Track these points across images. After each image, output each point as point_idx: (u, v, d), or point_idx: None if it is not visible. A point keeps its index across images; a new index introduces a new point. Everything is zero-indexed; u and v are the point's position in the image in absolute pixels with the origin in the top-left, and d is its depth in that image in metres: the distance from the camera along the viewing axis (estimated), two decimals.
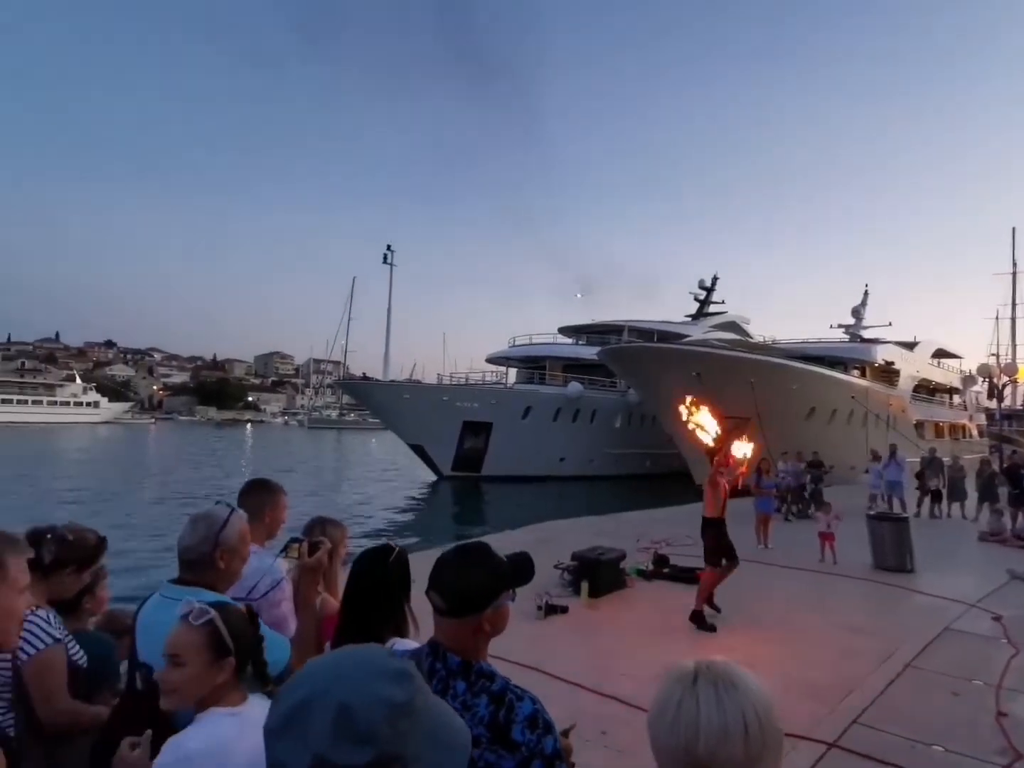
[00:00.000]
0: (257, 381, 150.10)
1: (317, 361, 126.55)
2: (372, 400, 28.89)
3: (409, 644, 1.90)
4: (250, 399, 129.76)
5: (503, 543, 10.24)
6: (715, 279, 37.84)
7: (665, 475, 27.72)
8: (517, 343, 34.97)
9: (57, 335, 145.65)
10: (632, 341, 28.53)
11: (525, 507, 21.39)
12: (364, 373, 32.12)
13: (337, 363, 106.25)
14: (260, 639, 1.65)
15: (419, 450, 28.07)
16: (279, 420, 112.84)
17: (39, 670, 2.02)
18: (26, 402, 77.33)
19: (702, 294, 37.61)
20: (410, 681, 0.78)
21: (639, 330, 32.28)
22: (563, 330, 36.87)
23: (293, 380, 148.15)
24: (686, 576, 7.82)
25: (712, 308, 37.58)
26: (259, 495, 2.68)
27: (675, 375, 21.13)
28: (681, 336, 30.65)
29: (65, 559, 2.27)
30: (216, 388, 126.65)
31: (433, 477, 28.01)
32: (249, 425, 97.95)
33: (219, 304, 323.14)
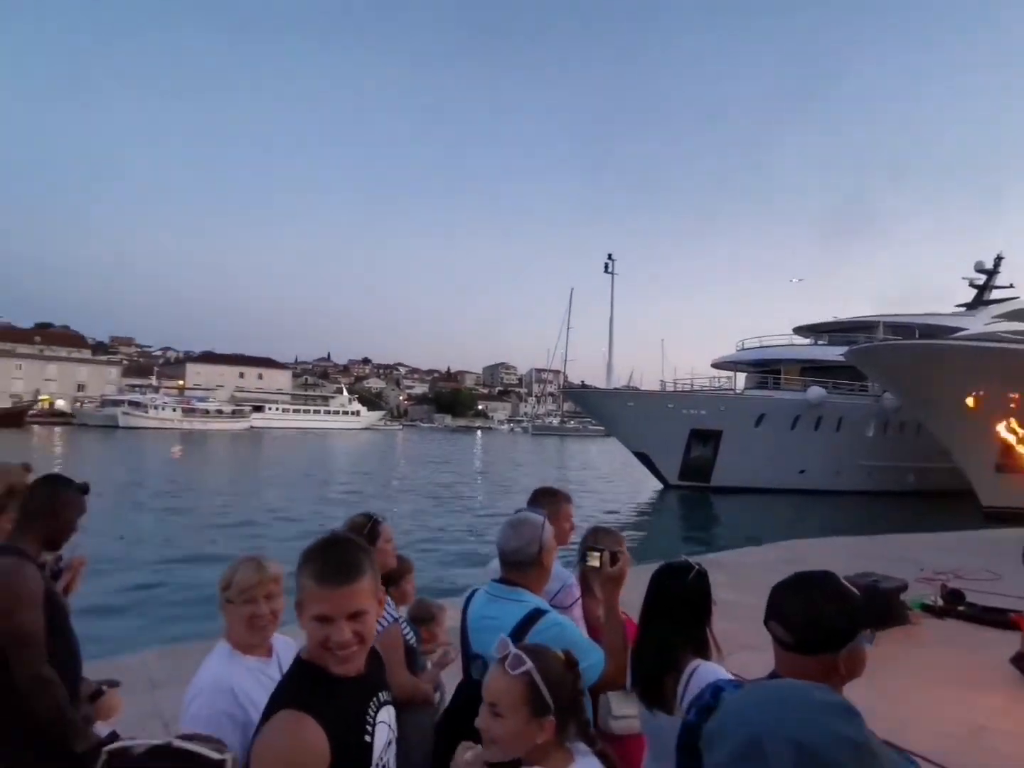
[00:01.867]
0: (485, 390, 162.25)
1: (538, 370, 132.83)
2: (595, 407, 29.29)
3: (717, 670, 1.80)
4: (480, 407, 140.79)
5: (743, 560, 9.57)
6: (999, 259, 31.40)
7: (935, 493, 23.68)
8: (746, 346, 32.77)
9: (328, 355, 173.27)
10: (888, 338, 24.94)
11: (761, 521, 19.91)
12: (583, 381, 32.72)
13: (557, 372, 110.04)
14: (580, 692, 1.53)
15: (644, 458, 27.71)
16: (505, 427, 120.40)
17: (383, 644, 2.31)
18: (308, 411, 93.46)
19: (980, 279, 31.45)
20: (860, 718, 0.70)
21: (895, 325, 28.10)
22: (799, 330, 33.64)
23: (517, 389, 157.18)
24: (992, 619, 6.49)
25: (995, 295, 31.23)
26: (545, 503, 2.80)
27: (952, 376, 17.94)
28: (954, 330, 25.96)
29: None
30: (450, 398, 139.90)
31: (659, 486, 27.44)
32: (479, 432, 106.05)
33: (453, 319, 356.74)
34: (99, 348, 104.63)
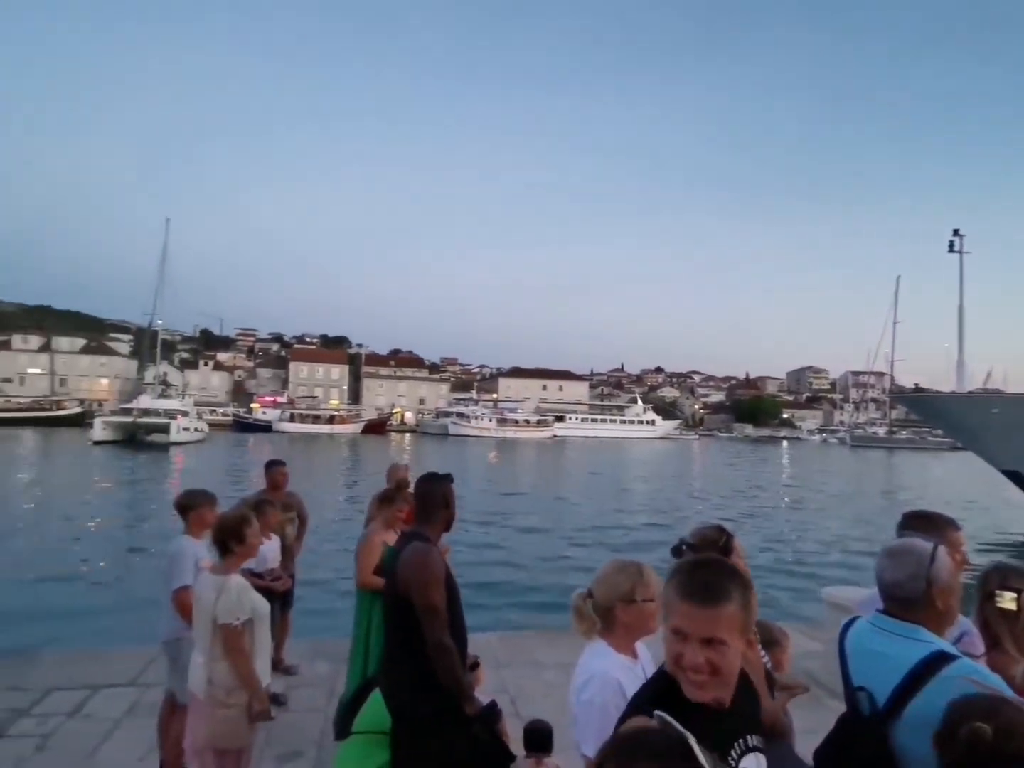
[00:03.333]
0: (790, 397, 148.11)
1: (855, 373, 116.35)
2: (942, 415, 24.29)
3: None
4: (784, 416, 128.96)
5: None
6: None
7: None
8: None
9: (622, 365, 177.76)
10: None
11: None
12: (916, 384, 27.34)
13: (881, 374, 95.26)
14: None
15: (1017, 478, 22.02)
16: (816, 438, 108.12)
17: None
18: (605, 421, 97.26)
19: None
20: None
21: None
22: None
23: (829, 395, 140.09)
24: None
25: None
26: (922, 529, 2.36)
27: None
28: None
29: None
30: (750, 406, 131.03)
31: None
32: (785, 442, 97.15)
33: (750, 323, 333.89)
34: (433, 368, 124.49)
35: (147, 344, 64.92)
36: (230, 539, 2.87)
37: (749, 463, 50.60)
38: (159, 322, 62.67)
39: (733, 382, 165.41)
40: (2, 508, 16.91)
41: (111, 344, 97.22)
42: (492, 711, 2.47)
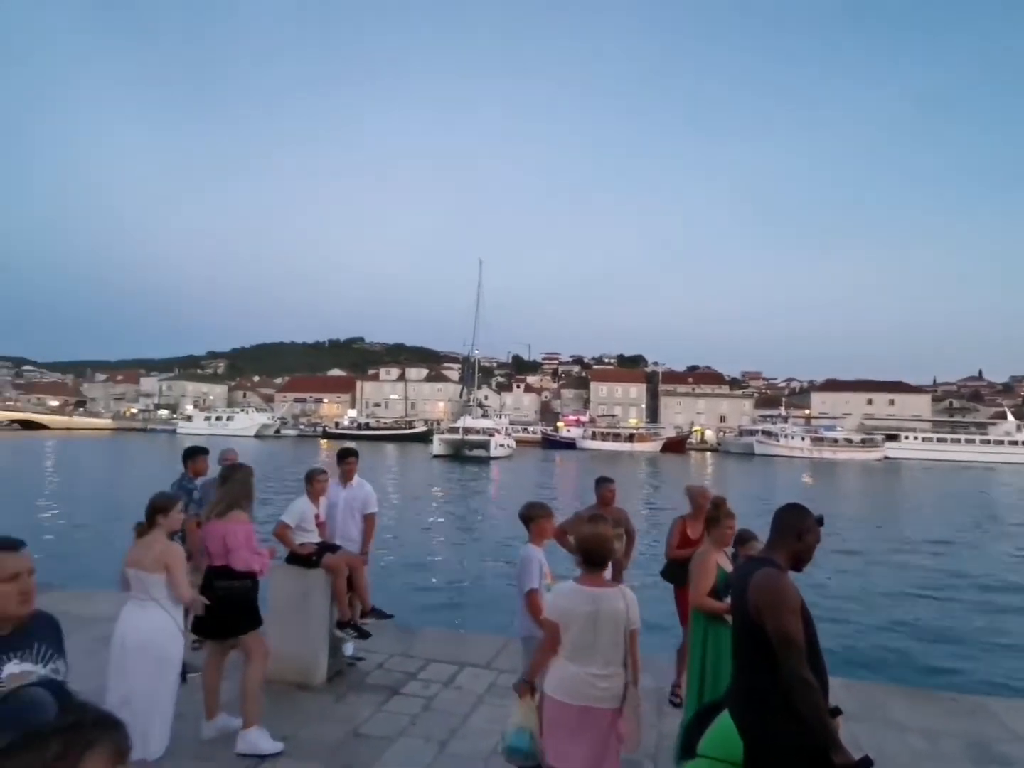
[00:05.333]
0: None
1: None
2: None
3: None
4: None
5: None
6: None
7: None
8: None
9: (980, 373, 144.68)
10: None
11: None
12: None
13: None
14: None
15: None
16: None
17: None
18: (959, 440, 79.46)
19: None
20: None
21: None
22: None
23: None
24: None
25: None
26: None
27: None
28: None
29: None
30: None
31: None
32: None
33: None
34: (734, 384, 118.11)
35: (469, 371, 75.64)
36: (605, 553, 3.09)
37: None
38: (476, 352, 72.83)
39: None
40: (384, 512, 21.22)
41: (445, 372, 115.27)
42: (866, 767, 2.20)
